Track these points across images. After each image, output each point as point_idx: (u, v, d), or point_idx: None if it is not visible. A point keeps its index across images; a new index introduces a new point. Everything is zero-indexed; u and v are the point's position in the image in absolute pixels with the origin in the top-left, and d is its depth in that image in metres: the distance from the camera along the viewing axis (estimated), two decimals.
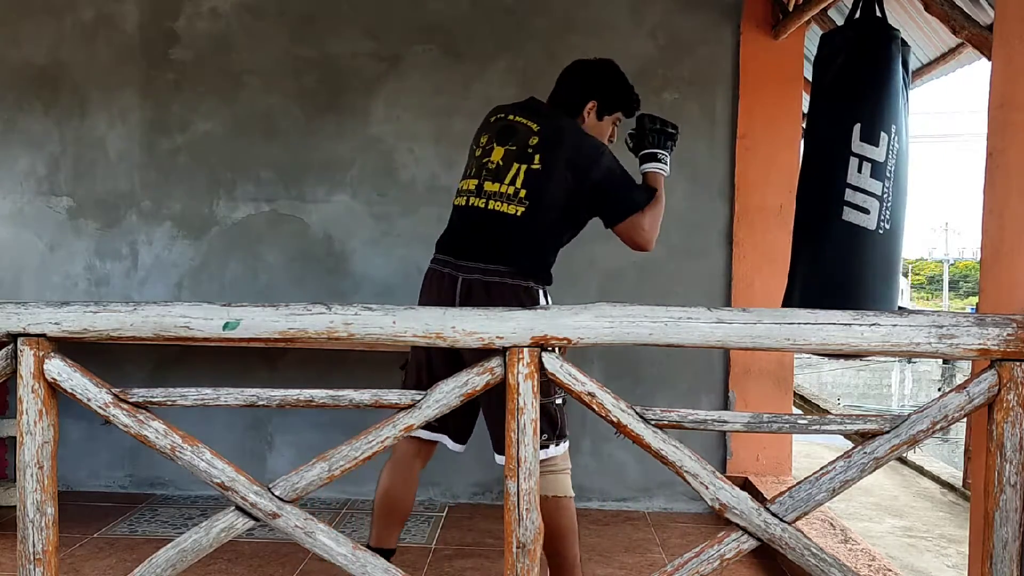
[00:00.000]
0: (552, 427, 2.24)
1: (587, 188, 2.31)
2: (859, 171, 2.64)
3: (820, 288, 2.75)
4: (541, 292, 2.34)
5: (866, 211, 2.66)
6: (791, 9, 3.51)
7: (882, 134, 2.63)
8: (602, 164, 2.33)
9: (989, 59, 1.94)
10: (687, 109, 3.66)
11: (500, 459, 2.28)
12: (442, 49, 3.71)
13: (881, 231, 2.64)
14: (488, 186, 2.32)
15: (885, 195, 2.63)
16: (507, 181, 2.30)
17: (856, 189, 2.66)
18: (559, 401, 2.27)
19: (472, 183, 2.36)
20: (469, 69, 3.70)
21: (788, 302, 2.83)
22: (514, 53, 3.69)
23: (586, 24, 3.67)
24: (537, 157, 2.30)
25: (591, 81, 2.46)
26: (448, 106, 3.71)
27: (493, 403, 2.11)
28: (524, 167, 2.29)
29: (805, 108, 4.54)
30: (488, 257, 2.29)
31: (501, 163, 2.32)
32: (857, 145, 2.64)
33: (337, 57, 3.72)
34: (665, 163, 2.46)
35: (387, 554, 2.36)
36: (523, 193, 2.28)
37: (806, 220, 2.84)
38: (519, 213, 2.28)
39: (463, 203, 2.37)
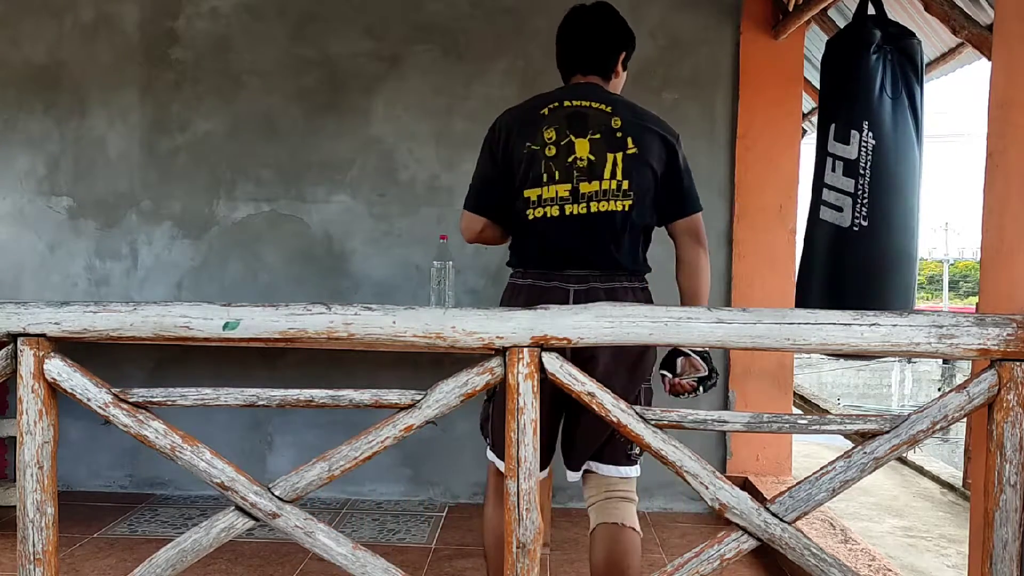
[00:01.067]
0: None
1: (673, 171, 2.10)
2: (833, 170, 2.67)
3: (810, 289, 2.77)
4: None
5: (839, 209, 2.68)
6: (791, 9, 3.51)
7: (853, 132, 2.65)
8: (682, 150, 2.13)
9: (989, 59, 1.95)
10: (687, 109, 3.66)
11: (573, 476, 2.23)
12: (442, 49, 3.71)
13: (856, 227, 2.65)
14: (585, 187, 2.04)
15: (859, 192, 2.64)
16: (606, 176, 2.04)
17: (831, 188, 2.69)
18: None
19: (563, 188, 2.04)
20: (469, 69, 3.70)
21: (796, 302, 2.87)
22: (514, 53, 3.69)
23: None
24: (629, 140, 2.04)
25: (618, 26, 2.19)
26: (448, 106, 3.71)
27: (585, 419, 2.05)
28: (619, 154, 2.04)
29: (805, 108, 4.55)
30: (600, 262, 2.06)
31: (592, 157, 2.04)
32: (831, 145, 2.68)
33: (337, 57, 3.72)
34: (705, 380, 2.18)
35: None
36: (626, 184, 2.04)
37: (807, 223, 2.89)
38: (626, 208, 2.04)
39: (556, 213, 2.05)
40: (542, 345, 1.56)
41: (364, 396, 1.59)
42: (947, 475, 6.07)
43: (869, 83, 2.64)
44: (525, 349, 1.55)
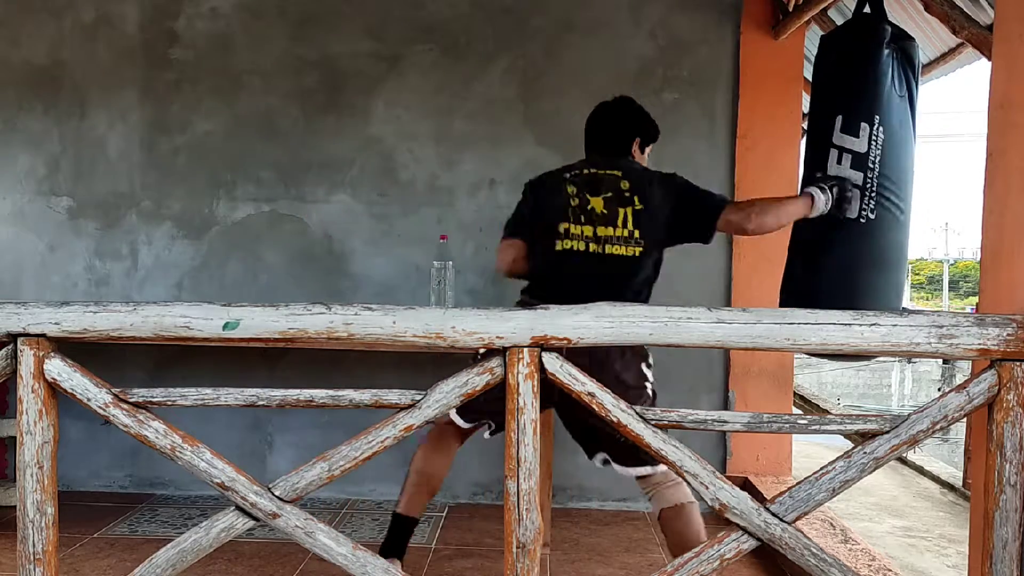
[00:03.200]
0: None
1: (681, 205, 2.41)
2: (839, 162, 2.64)
3: (811, 284, 2.74)
4: None
5: None
6: (791, 9, 3.51)
7: (863, 125, 2.62)
8: (680, 180, 2.47)
9: (989, 59, 1.94)
10: (687, 109, 3.66)
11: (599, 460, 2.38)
12: (442, 49, 3.71)
13: (863, 219, 2.63)
14: (602, 231, 2.38)
15: (868, 185, 2.63)
16: (619, 224, 2.37)
17: None
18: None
19: (587, 229, 2.39)
20: (469, 69, 3.70)
21: (784, 300, 2.82)
22: (514, 53, 3.69)
23: (586, 24, 3.67)
24: (636, 198, 2.39)
25: (632, 119, 2.59)
26: (448, 106, 3.71)
27: (565, 413, 2.30)
28: (629, 209, 2.38)
29: (805, 108, 4.55)
30: (609, 298, 2.26)
31: (606, 211, 2.39)
32: (837, 137, 2.65)
33: (337, 57, 3.72)
34: (824, 194, 2.51)
35: (413, 523, 2.48)
36: (637, 234, 2.37)
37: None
38: (637, 254, 2.38)
39: (582, 248, 2.39)
40: (542, 345, 1.56)
41: (364, 396, 1.59)
42: (947, 475, 6.08)
43: (881, 78, 2.63)
44: (525, 349, 1.55)
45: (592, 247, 2.38)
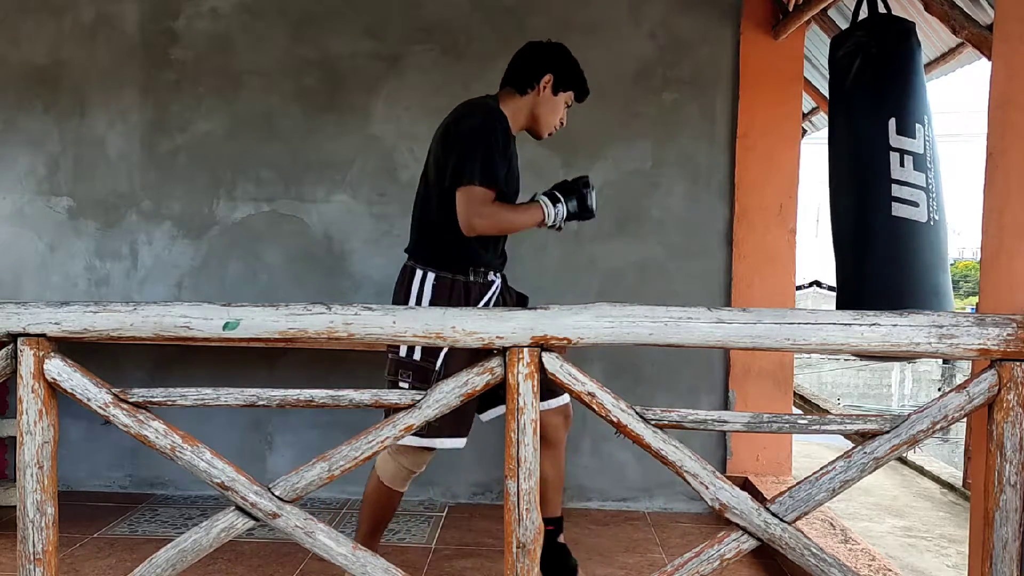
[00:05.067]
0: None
1: (448, 138, 2.38)
2: (901, 165, 2.61)
3: (881, 288, 2.70)
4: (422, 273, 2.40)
5: (915, 204, 2.63)
6: (791, 9, 3.51)
7: (916, 125, 2.61)
8: (470, 120, 2.38)
9: (989, 59, 1.95)
10: (687, 109, 3.66)
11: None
12: (442, 49, 3.71)
13: (932, 222, 2.63)
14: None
15: (930, 185, 2.62)
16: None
17: (902, 184, 2.63)
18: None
19: None
20: (469, 69, 3.70)
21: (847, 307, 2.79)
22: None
23: (586, 24, 3.67)
24: (437, 136, 2.49)
25: (548, 56, 2.49)
26: (448, 106, 3.67)
27: None
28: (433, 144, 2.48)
29: (805, 108, 4.55)
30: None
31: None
32: (895, 139, 2.62)
33: (337, 57, 3.72)
34: (553, 207, 2.38)
35: (558, 522, 2.54)
36: (428, 161, 2.45)
37: (852, 222, 2.79)
38: (420, 185, 2.46)
39: None
40: (542, 345, 1.56)
41: (364, 396, 1.59)
42: (947, 475, 6.07)
43: (922, 78, 2.63)
44: (525, 349, 1.55)
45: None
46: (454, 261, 2.36)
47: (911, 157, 2.61)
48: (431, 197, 2.39)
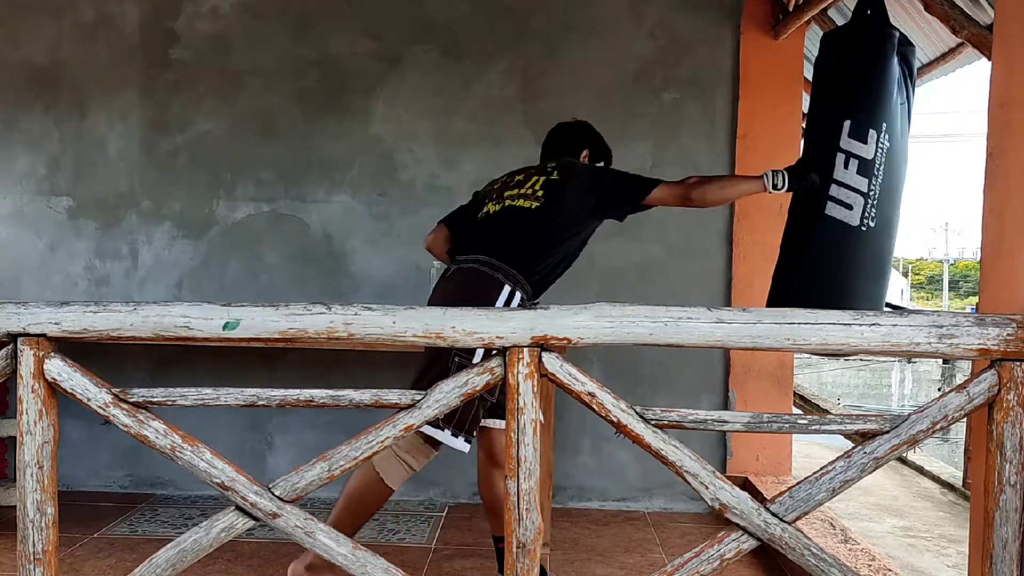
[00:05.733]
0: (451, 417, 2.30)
1: (599, 181, 2.55)
2: (845, 167, 2.63)
3: (801, 285, 2.72)
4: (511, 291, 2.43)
5: (849, 207, 2.64)
6: (791, 9, 3.51)
7: (871, 131, 2.62)
8: (609, 170, 2.62)
9: (989, 59, 1.94)
10: (687, 109, 3.66)
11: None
12: (442, 49, 3.71)
13: (864, 228, 2.62)
14: (509, 192, 2.55)
15: (871, 192, 2.62)
16: (528, 186, 2.53)
17: (841, 184, 2.64)
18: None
19: (498, 199, 2.57)
20: (469, 69, 3.70)
21: (772, 301, 2.80)
22: (514, 53, 3.69)
23: (586, 24, 3.67)
24: (556, 172, 2.55)
25: (583, 134, 2.77)
26: (448, 106, 3.71)
27: None
28: (544, 178, 2.54)
29: (805, 108, 4.54)
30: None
31: (521, 178, 2.58)
32: (845, 141, 2.63)
33: (337, 57, 3.72)
34: (778, 180, 2.58)
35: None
36: (540, 193, 2.50)
37: (793, 217, 2.82)
38: (534, 207, 2.49)
39: (490, 210, 2.56)
40: (542, 345, 1.56)
41: (364, 396, 1.59)
42: (947, 475, 6.08)
43: (890, 85, 2.63)
44: (525, 349, 1.55)
45: (494, 207, 2.55)
46: (537, 289, 2.51)
47: (857, 161, 2.61)
48: (558, 229, 2.50)
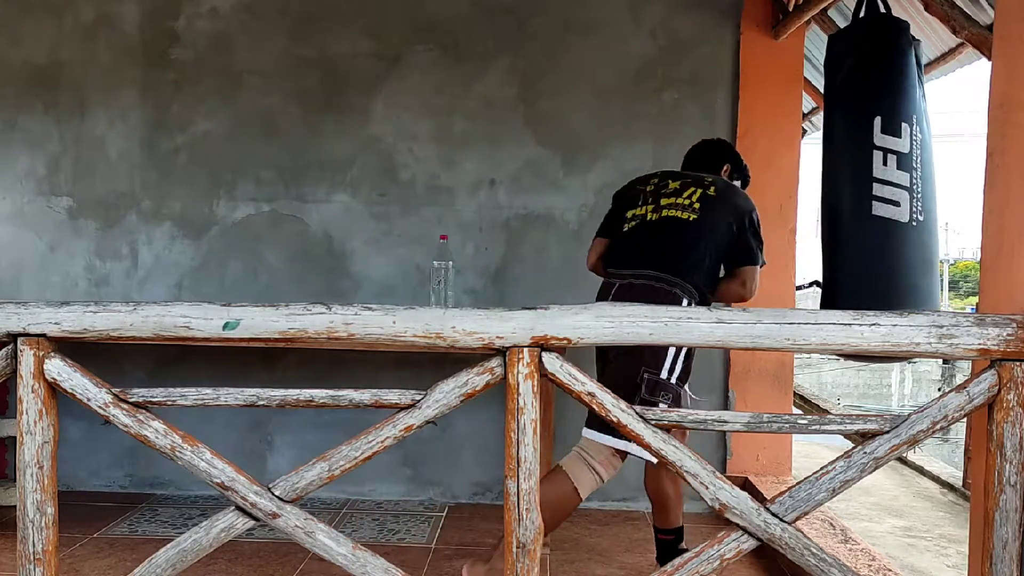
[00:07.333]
0: None
1: (736, 226, 2.55)
2: (884, 164, 2.61)
3: (858, 286, 2.70)
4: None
5: (896, 203, 2.62)
6: (791, 9, 3.51)
7: (903, 125, 2.61)
8: (754, 213, 2.62)
9: (989, 59, 1.95)
10: (687, 109, 3.66)
11: (591, 434, 2.49)
12: (442, 49, 3.71)
13: (915, 223, 2.61)
14: (665, 201, 2.59)
15: (914, 186, 2.61)
16: (684, 197, 2.57)
17: (883, 183, 2.62)
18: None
19: (652, 205, 2.60)
20: (469, 69, 3.70)
21: (829, 306, 2.78)
22: (514, 53, 3.69)
23: (586, 24, 3.67)
24: (714, 188, 2.58)
25: (725, 151, 2.86)
26: (448, 106, 3.71)
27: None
28: (701, 191, 2.57)
29: (805, 108, 4.54)
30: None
31: (678, 186, 2.60)
32: (879, 138, 2.61)
33: (337, 57, 3.72)
34: None
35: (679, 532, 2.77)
36: (697, 206, 2.54)
37: (835, 220, 2.79)
38: (691, 219, 2.54)
39: (643, 217, 2.60)
40: (542, 345, 1.56)
41: (364, 396, 1.59)
42: (947, 475, 6.07)
43: (912, 77, 2.63)
44: (525, 349, 1.55)
45: (652, 215, 2.57)
46: (702, 302, 2.57)
47: (895, 156, 2.60)
48: (710, 245, 2.54)
